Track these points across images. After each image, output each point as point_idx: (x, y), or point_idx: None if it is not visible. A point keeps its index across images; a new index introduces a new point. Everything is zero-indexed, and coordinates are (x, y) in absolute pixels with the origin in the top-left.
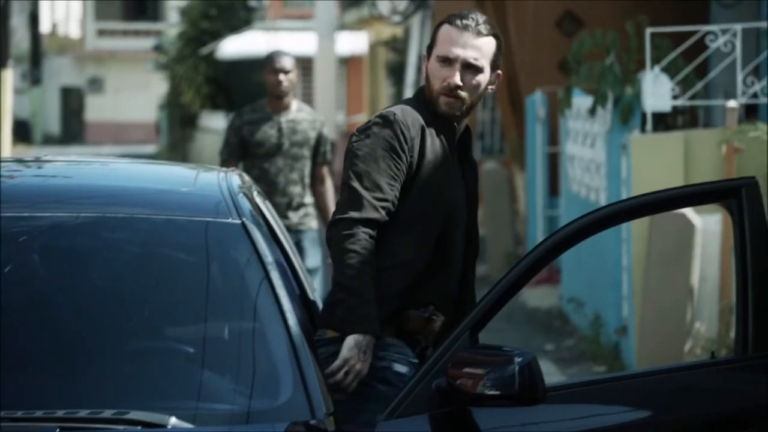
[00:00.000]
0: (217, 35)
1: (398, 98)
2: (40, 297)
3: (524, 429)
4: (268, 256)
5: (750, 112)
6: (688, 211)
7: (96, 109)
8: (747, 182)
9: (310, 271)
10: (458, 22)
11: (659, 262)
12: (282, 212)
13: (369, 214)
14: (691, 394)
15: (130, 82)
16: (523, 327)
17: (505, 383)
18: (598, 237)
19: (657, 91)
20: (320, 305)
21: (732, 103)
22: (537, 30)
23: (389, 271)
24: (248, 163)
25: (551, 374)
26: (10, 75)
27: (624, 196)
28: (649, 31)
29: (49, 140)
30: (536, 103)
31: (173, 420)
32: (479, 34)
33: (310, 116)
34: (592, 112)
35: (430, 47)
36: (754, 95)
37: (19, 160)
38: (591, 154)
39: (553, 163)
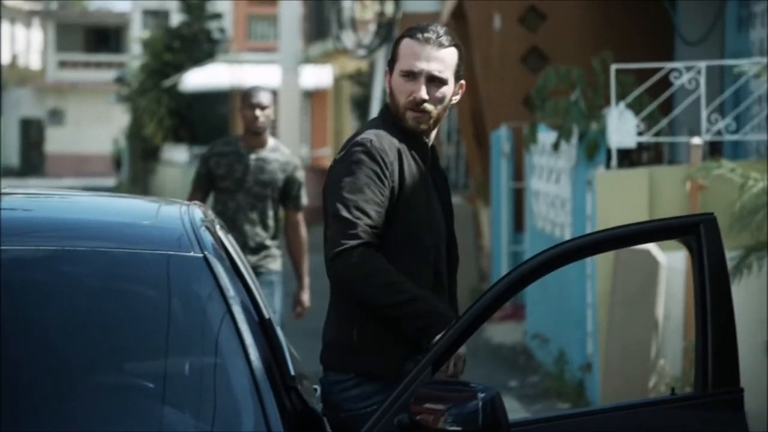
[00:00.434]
0: (180, 67)
1: None
2: None
3: None
4: (230, 291)
5: (714, 150)
6: (653, 248)
7: (56, 141)
8: (705, 218)
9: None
10: (419, 35)
11: (624, 299)
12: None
13: (365, 239)
14: (652, 431)
15: (92, 114)
16: (488, 363)
17: (468, 419)
18: (562, 273)
19: (622, 127)
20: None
21: (696, 140)
22: (502, 65)
23: None
24: (214, 196)
25: (515, 411)
26: None
27: (589, 232)
28: (614, 67)
29: (8, 172)
30: (501, 138)
31: None
32: (441, 45)
33: (283, 158)
34: (557, 147)
35: (392, 62)
36: (718, 132)
37: None
38: (556, 189)
39: (518, 199)
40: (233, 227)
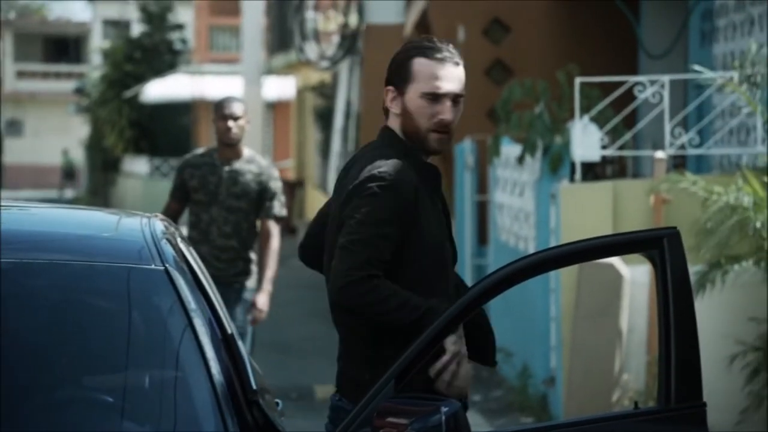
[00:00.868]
0: (141, 78)
1: (326, 145)
2: None
3: None
4: (191, 304)
5: (678, 164)
6: (617, 262)
7: (14, 152)
8: (669, 233)
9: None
10: (435, 54)
11: (587, 312)
12: (211, 264)
13: (373, 272)
14: None
15: (51, 125)
16: None
17: None
18: (526, 287)
19: (586, 140)
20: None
21: (660, 154)
22: (466, 77)
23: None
24: (189, 208)
25: (478, 425)
26: None
27: (553, 246)
28: (578, 80)
29: None
30: (465, 150)
31: None
32: (457, 64)
33: (257, 169)
34: (521, 160)
35: (403, 82)
36: (682, 146)
37: None
38: (520, 202)
39: (482, 212)
40: (206, 240)
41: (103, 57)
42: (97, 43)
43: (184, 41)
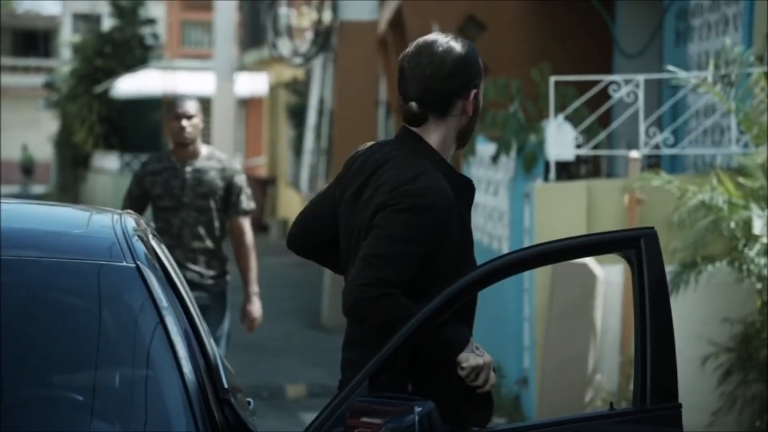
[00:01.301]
0: (112, 73)
1: (298, 142)
2: None
3: None
4: (163, 301)
5: (652, 163)
6: (591, 262)
7: None
8: (646, 233)
9: (217, 339)
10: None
11: (561, 312)
12: (188, 268)
13: (388, 290)
14: None
15: (19, 120)
16: None
17: None
18: (499, 287)
19: (560, 139)
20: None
21: (634, 154)
22: None
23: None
24: (154, 214)
25: None
26: None
27: (527, 245)
28: (553, 79)
29: None
30: None
31: None
32: None
33: (219, 165)
34: (495, 159)
35: (479, 78)
36: (657, 146)
37: None
38: (494, 202)
39: None
40: (180, 244)
41: (73, 51)
42: (67, 37)
43: (155, 36)
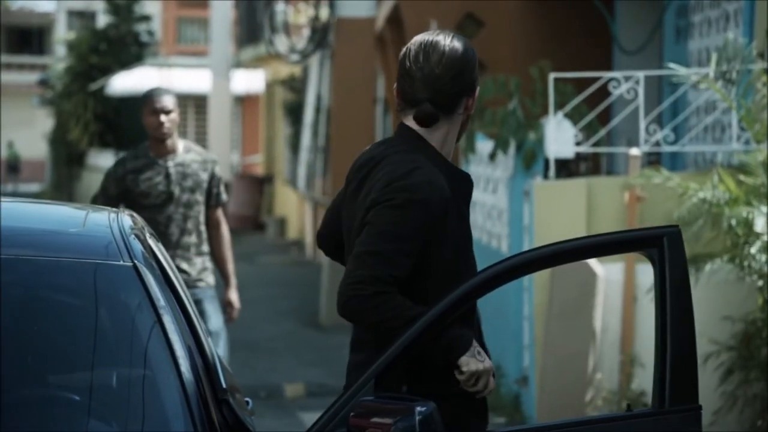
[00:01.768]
0: (107, 71)
1: (296, 139)
2: None
3: None
4: (160, 300)
5: (653, 161)
6: (591, 260)
7: None
8: (669, 231)
9: (212, 334)
10: None
11: (561, 311)
12: (177, 266)
13: (382, 287)
14: None
15: (14, 118)
16: None
17: None
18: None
19: (560, 137)
20: (218, 361)
21: (635, 151)
22: None
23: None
24: (138, 213)
25: None
26: None
27: (526, 243)
28: (552, 76)
29: None
30: None
31: None
32: None
33: (200, 156)
34: (493, 157)
35: (477, 78)
36: (657, 143)
37: None
38: (493, 199)
39: None
40: (168, 242)
41: (68, 49)
42: (62, 34)
43: (151, 33)
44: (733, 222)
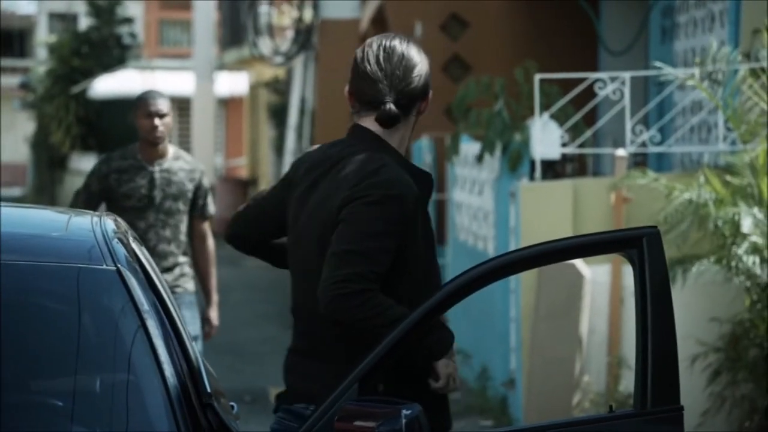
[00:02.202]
0: (89, 73)
1: (280, 142)
2: None
3: None
4: (144, 305)
5: (639, 162)
6: (578, 262)
7: None
8: (648, 232)
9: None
10: None
11: (548, 313)
12: None
13: (365, 285)
14: None
15: None
16: None
17: None
18: (485, 288)
19: (546, 138)
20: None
21: (621, 152)
22: None
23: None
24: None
25: None
26: None
27: (513, 245)
28: (538, 77)
29: None
30: (423, 148)
31: None
32: None
33: (188, 165)
34: (480, 158)
35: (429, 87)
36: (643, 144)
37: None
38: (479, 201)
39: (440, 211)
40: (146, 248)
41: (49, 51)
42: (43, 37)
43: (133, 35)
44: (720, 223)
